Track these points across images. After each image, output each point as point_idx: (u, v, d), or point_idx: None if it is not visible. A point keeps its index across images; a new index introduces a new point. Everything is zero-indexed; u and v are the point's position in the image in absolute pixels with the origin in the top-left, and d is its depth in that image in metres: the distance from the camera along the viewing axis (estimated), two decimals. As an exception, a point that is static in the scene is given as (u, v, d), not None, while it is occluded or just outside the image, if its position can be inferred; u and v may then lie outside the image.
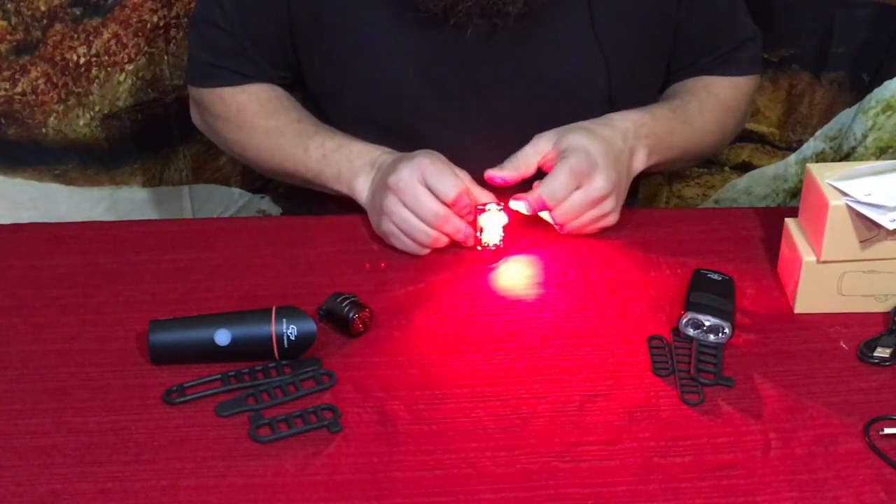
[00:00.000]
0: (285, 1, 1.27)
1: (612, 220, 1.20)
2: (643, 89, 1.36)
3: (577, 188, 1.16)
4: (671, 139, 1.28)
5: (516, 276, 1.17)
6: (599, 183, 1.16)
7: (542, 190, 1.16)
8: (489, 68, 1.27)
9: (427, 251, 1.18)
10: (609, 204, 1.18)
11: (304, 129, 1.30)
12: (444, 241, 1.17)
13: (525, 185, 1.19)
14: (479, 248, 1.18)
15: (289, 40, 1.31)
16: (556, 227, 1.20)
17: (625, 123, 1.24)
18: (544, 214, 1.19)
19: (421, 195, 1.15)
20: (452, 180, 1.15)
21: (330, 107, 1.35)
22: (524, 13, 1.21)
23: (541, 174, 1.19)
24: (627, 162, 1.22)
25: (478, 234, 1.18)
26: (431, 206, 1.15)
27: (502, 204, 1.17)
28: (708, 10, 1.33)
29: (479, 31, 1.22)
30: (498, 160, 1.21)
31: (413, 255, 1.18)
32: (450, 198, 1.15)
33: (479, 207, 1.17)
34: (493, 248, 1.18)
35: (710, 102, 1.34)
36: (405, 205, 1.15)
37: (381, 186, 1.18)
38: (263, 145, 1.32)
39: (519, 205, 1.17)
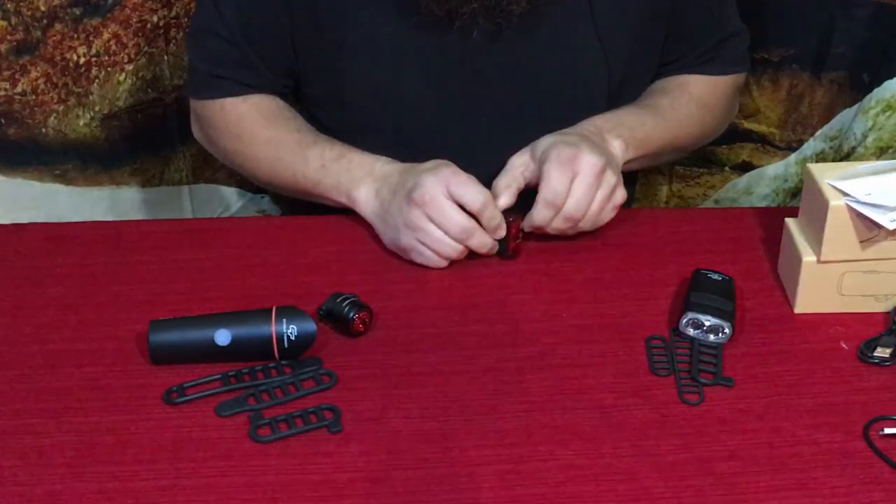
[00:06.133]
0: (286, 6, 1.27)
1: (621, 194, 1.19)
2: (640, 84, 1.37)
3: (573, 178, 1.15)
4: (643, 130, 1.28)
5: (516, 276, 1.17)
6: (590, 159, 1.15)
7: (543, 195, 1.15)
8: (492, 68, 1.27)
9: (446, 264, 1.16)
10: (611, 177, 1.17)
11: (304, 139, 1.29)
12: (465, 253, 1.16)
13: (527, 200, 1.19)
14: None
15: (290, 46, 1.30)
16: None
17: (589, 125, 1.24)
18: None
19: (448, 209, 1.13)
20: (478, 189, 1.14)
21: (327, 115, 1.34)
22: (527, 12, 1.21)
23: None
24: (607, 148, 1.22)
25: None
26: (459, 219, 1.13)
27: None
28: (697, 2, 1.33)
29: (483, 32, 1.22)
30: (500, 160, 1.20)
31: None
32: (477, 206, 1.13)
33: (511, 220, 1.16)
34: (511, 256, 1.18)
35: (683, 98, 1.35)
36: (431, 219, 1.13)
37: (402, 200, 1.15)
38: (262, 155, 1.31)
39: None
